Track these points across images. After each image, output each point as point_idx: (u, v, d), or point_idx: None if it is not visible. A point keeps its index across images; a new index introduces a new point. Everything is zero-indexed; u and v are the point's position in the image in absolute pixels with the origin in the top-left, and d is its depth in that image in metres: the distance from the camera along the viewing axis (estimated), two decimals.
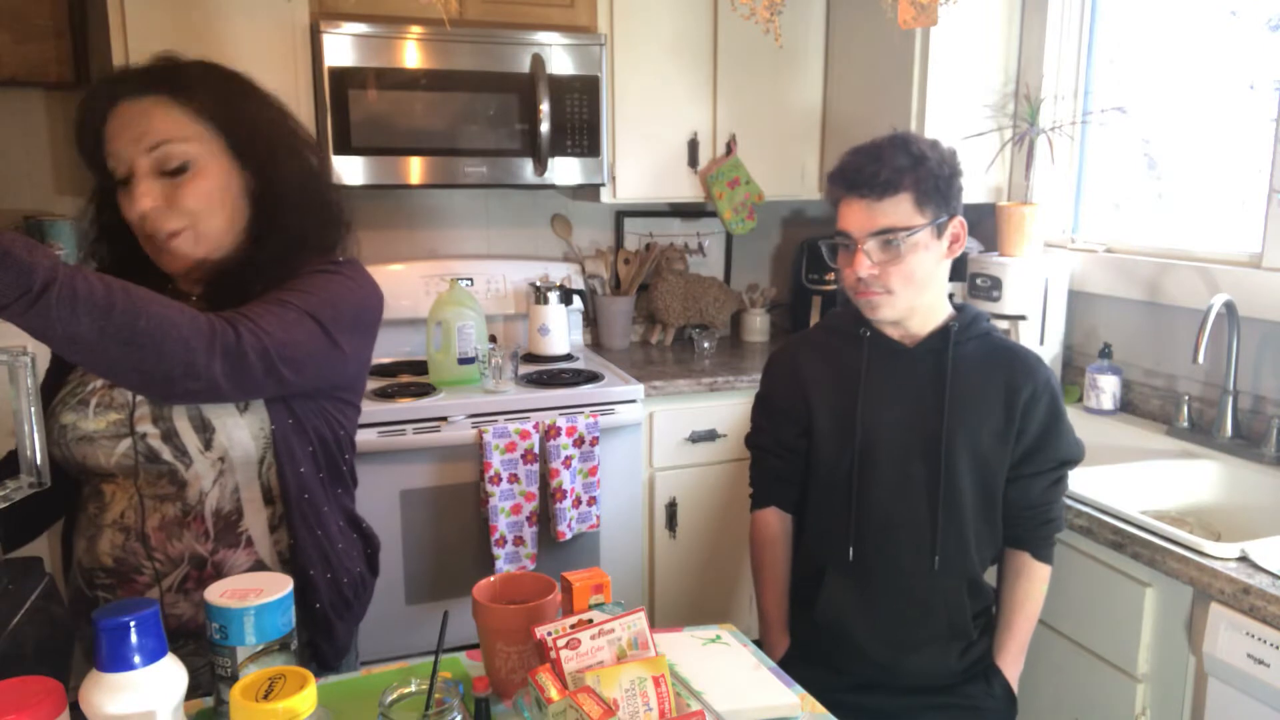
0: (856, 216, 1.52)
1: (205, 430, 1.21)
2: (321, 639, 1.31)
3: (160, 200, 1.21)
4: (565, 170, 2.62)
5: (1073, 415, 2.33)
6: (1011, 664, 1.62)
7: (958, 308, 1.62)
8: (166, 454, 1.20)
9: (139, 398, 1.21)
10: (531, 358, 2.79)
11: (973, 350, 1.59)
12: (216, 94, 1.24)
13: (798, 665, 1.63)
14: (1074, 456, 1.62)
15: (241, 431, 1.22)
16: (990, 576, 1.68)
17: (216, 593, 1.02)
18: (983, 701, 1.60)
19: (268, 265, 1.25)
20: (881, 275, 1.51)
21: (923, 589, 1.57)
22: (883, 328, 1.60)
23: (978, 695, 1.60)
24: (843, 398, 1.60)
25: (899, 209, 1.49)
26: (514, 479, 2.35)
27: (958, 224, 1.55)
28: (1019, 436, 1.57)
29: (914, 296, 1.54)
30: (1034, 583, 1.62)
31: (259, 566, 1.27)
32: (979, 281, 2.48)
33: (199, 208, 1.23)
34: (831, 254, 1.60)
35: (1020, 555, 1.62)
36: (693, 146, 2.83)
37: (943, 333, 1.58)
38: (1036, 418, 1.57)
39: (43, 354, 1.07)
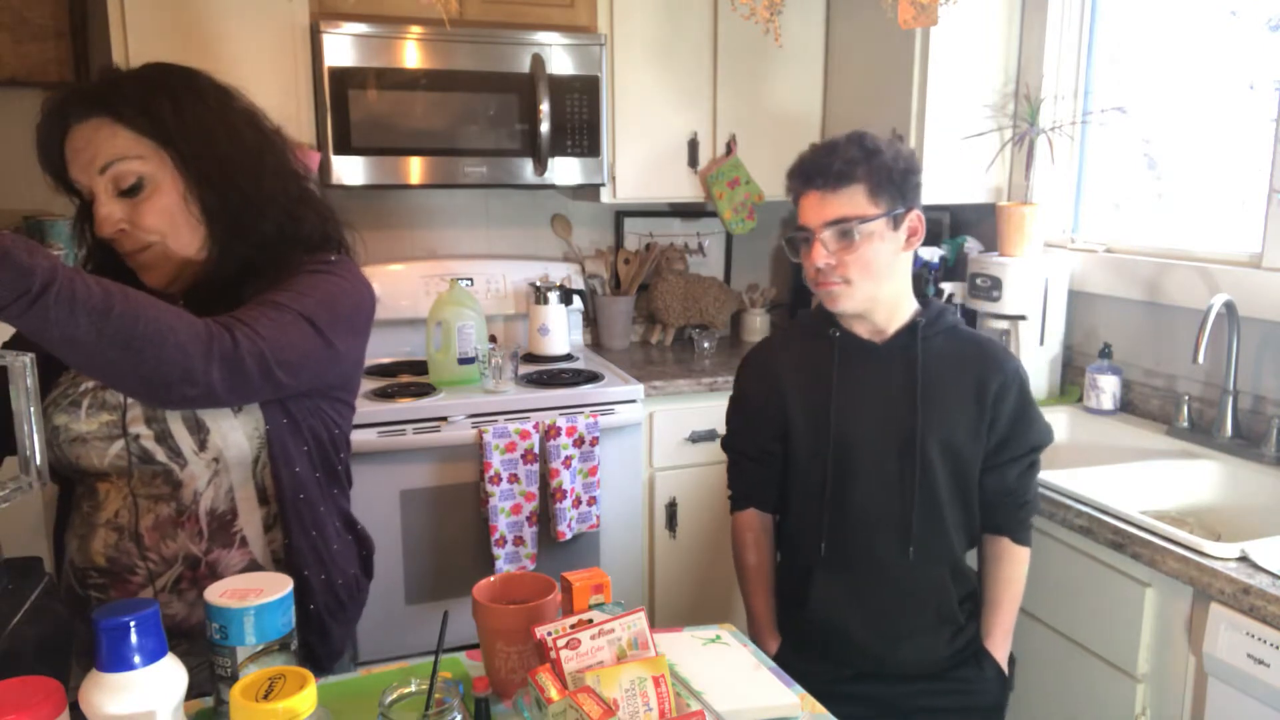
0: (813, 208, 1.56)
1: (200, 431, 1.21)
2: (315, 640, 1.31)
3: (123, 221, 1.21)
4: (565, 170, 2.62)
5: (1073, 415, 2.34)
6: (1000, 646, 1.65)
7: (923, 303, 1.64)
8: (161, 455, 1.20)
9: (131, 399, 1.20)
10: (531, 358, 2.79)
11: (941, 345, 1.61)
12: (158, 109, 1.20)
13: (791, 660, 1.64)
14: (1044, 441, 1.65)
15: (236, 432, 1.22)
16: (971, 561, 1.69)
17: (216, 593, 1.02)
18: (976, 684, 1.63)
19: (255, 269, 1.25)
20: (839, 265, 1.54)
21: (908, 580, 1.60)
22: (850, 325, 1.63)
23: (970, 678, 1.63)
24: (816, 398, 1.62)
25: (853, 199, 1.53)
26: (514, 479, 2.35)
27: (915, 217, 1.58)
28: (991, 426, 1.59)
29: (873, 287, 1.56)
30: (1015, 566, 1.65)
31: (253, 566, 1.26)
32: (979, 281, 2.48)
33: (161, 225, 1.21)
34: (793, 250, 1.63)
35: (1000, 541, 1.65)
36: (693, 146, 2.83)
37: (910, 329, 1.60)
38: (1007, 408, 1.60)
39: None
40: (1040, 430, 1.64)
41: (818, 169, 1.55)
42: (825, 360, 1.63)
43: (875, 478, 1.58)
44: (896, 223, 1.55)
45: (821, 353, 1.64)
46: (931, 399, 1.57)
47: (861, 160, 1.52)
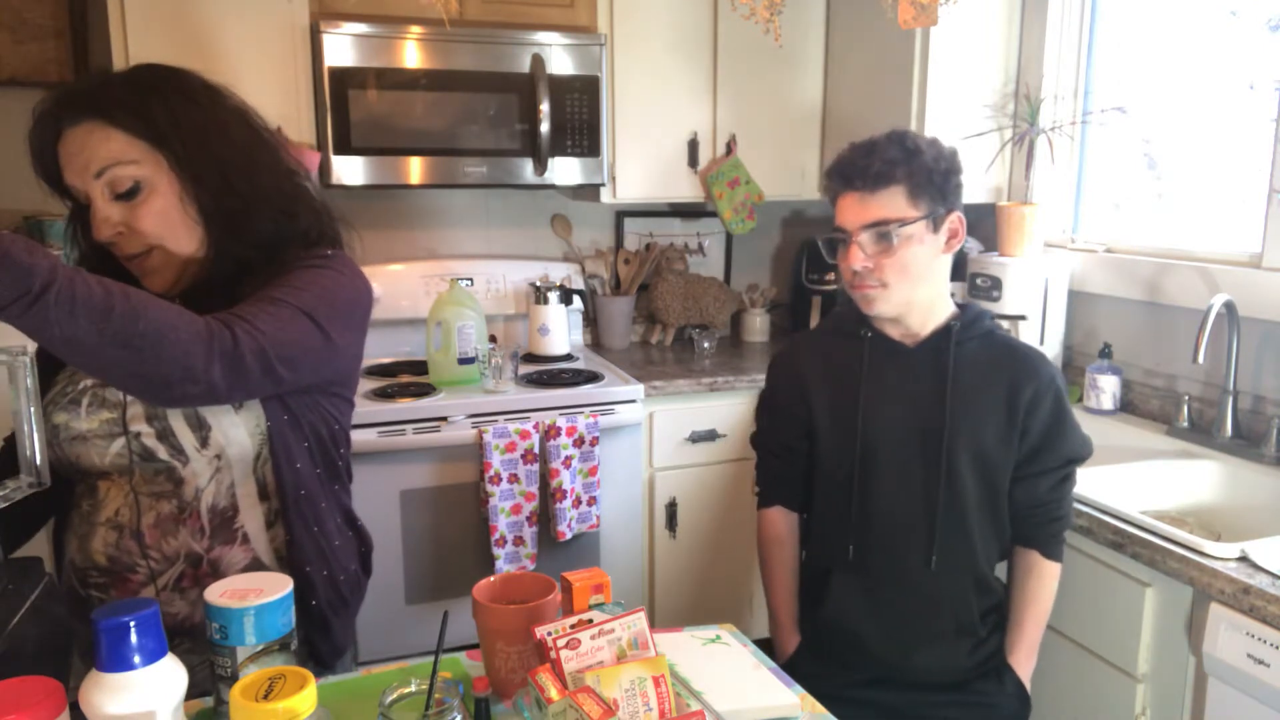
0: (851, 209, 1.53)
1: (201, 428, 1.21)
2: (318, 637, 1.31)
3: (120, 225, 1.21)
4: (565, 170, 2.62)
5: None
6: (1023, 662, 1.62)
7: (961, 306, 1.62)
8: (162, 452, 1.20)
9: (131, 396, 1.20)
10: (531, 358, 2.79)
11: (975, 350, 1.58)
12: (150, 111, 1.20)
13: (808, 661, 1.63)
14: (1081, 454, 1.61)
15: (237, 429, 1.22)
16: (1001, 573, 1.68)
17: (216, 593, 1.02)
18: (995, 699, 1.60)
19: (252, 267, 1.24)
20: (876, 268, 1.52)
21: (927, 587, 1.58)
22: (883, 327, 1.61)
23: (990, 692, 1.60)
24: (843, 398, 1.60)
25: (892, 201, 1.50)
26: (514, 479, 2.35)
27: (955, 219, 1.54)
28: (1023, 436, 1.56)
29: (910, 291, 1.54)
30: (1044, 581, 1.62)
31: (255, 563, 1.27)
32: (979, 281, 2.48)
33: (159, 228, 1.21)
34: (830, 251, 1.60)
35: (1029, 554, 1.62)
36: (693, 146, 2.83)
37: (944, 332, 1.58)
38: (1040, 417, 1.56)
39: None
40: (1076, 442, 1.60)
41: (856, 170, 1.51)
42: (855, 361, 1.61)
43: (900, 481, 1.57)
44: (936, 225, 1.52)
45: (852, 353, 1.61)
46: (961, 404, 1.55)
47: (902, 161, 1.49)
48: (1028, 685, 1.63)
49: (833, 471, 1.62)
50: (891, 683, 1.60)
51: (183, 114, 1.22)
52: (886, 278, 1.52)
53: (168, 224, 1.22)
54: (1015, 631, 1.63)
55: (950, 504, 1.55)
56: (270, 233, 1.26)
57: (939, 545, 1.55)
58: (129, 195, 1.20)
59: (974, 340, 1.59)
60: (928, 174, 1.50)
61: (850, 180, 1.52)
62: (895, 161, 1.49)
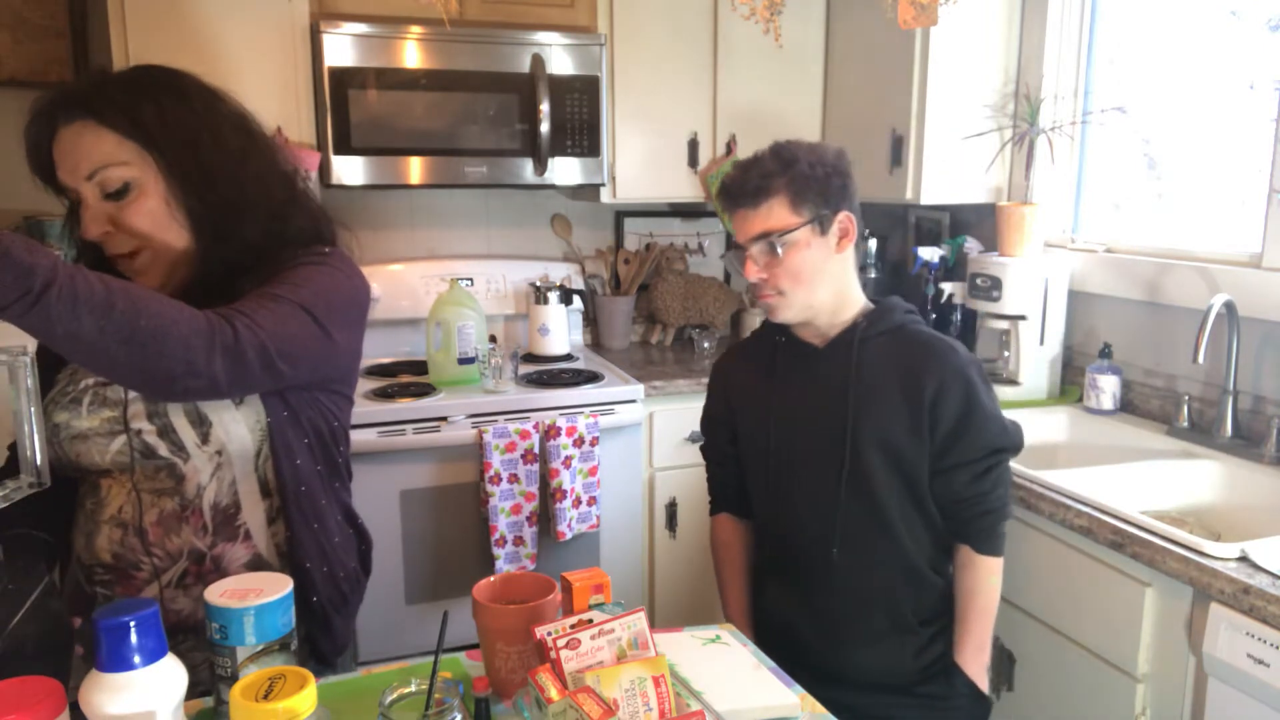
0: (741, 225, 1.58)
1: (202, 424, 1.21)
2: (319, 633, 1.32)
3: (109, 224, 1.21)
4: (565, 170, 2.62)
5: (1073, 415, 2.34)
6: (971, 660, 1.59)
7: (875, 302, 1.63)
8: (163, 450, 1.21)
9: (132, 394, 1.20)
10: (531, 358, 2.79)
11: (882, 345, 1.58)
12: (141, 112, 1.20)
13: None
14: (1004, 444, 1.57)
15: (238, 425, 1.22)
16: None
17: (216, 593, 1.02)
18: (948, 700, 1.58)
19: (244, 268, 1.24)
20: (770, 278, 1.56)
21: (854, 585, 1.58)
22: (798, 331, 1.64)
23: (941, 694, 1.59)
24: (759, 404, 1.64)
25: (774, 213, 1.54)
26: (514, 479, 2.35)
27: (845, 219, 1.57)
28: (933, 430, 1.54)
29: (807, 295, 1.57)
30: (980, 575, 1.58)
31: (257, 560, 1.27)
32: (979, 281, 2.48)
33: (147, 228, 1.21)
34: (735, 267, 1.65)
35: (963, 548, 1.60)
36: (693, 146, 2.83)
37: (850, 330, 1.60)
38: (948, 409, 1.53)
39: None
40: (994, 433, 1.55)
41: (738, 187, 1.57)
42: (770, 366, 1.65)
43: (814, 482, 1.59)
44: (824, 227, 1.55)
45: (768, 358, 1.66)
46: (865, 400, 1.55)
47: (778, 172, 1.53)
48: (981, 684, 1.60)
49: (756, 475, 1.66)
50: (839, 683, 1.56)
51: (174, 116, 1.22)
52: (781, 285, 1.56)
53: (156, 224, 1.22)
54: (960, 629, 1.60)
55: (861, 501, 1.55)
56: (258, 238, 1.26)
57: (857, 543, 1.56)
58: (119, 195, 1.20)
59: (882, 336, 1.59)
60: (806, 180, 1.53)
61: (735, 199, 1.58)
62: (771, 174, 1.54)
